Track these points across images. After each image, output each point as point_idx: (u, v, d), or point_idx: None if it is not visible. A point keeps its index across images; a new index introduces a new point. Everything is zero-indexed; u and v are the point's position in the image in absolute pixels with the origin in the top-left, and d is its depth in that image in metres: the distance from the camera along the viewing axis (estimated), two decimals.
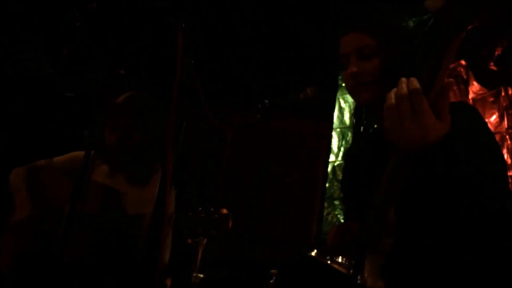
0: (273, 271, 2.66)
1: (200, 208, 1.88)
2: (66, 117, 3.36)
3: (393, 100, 0.96)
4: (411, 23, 3.39)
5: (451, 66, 1.01)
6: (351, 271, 1.17)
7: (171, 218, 2.18)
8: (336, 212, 4.03)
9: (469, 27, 0.88)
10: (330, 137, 4.26)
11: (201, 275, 2.85)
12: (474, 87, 3.14)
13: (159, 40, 3.52)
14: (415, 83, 0.95)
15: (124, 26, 3.62)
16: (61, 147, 2.32)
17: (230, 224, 1.84)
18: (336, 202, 4.09)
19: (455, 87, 3.20)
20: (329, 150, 4.26)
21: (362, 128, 1.46)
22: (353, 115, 1.46)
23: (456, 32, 0.89)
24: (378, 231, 1.13)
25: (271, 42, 4.12)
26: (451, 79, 0.97)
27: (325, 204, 4.14)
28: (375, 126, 1.45)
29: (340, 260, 1.71)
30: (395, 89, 0.98)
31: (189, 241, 2.48)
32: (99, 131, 2.16)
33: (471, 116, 1.18)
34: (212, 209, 1.87)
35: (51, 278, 1.85)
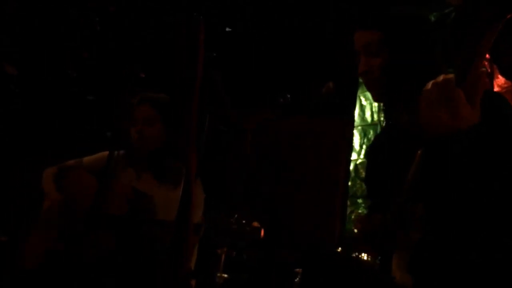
0: (297, 270, 2.64)
1: (231, 219, 1.89)
2: (94, 117, 3.41)
3: (429, 87, 0.98)
4: (432, 17, 3.34)
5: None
6: (378, 266, 1.16)
7: (199, 227, 2.17)
8: (360, 211, 4.00)
9: (508, 16, 0.87)
10: (352, 135, 4.23)
11: (225, 275, 2.85)
12: (499, 81, 3.09)
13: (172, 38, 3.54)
14: (450, 75, 0.98)
15: (139, 25, 3.65)
16: (91, 147, 2.38)
17: (262, 235, 1.85)
18: (359, 201, 4.05)
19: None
20: (350, 148, 4.23)
21: (384, 122, 1.47)
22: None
23: (492, 23, 0.89)
24: (405, 226, 1.11)
25: (289, 41, 4.11)
26: (483, 69, 0.97)
27: (348, 203, 4.10)
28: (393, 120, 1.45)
29: (365, 257, 1.69)
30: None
31: (219, 251, 2.49)
32: (125, 131, 2.21)
33: (500, 103, 1.17)
34: (244, 221, 1.87)
35: (74, 276, 1.87)
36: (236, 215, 1.87)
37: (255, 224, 1.82)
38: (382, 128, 1.47)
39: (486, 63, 3.17)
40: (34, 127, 3.45)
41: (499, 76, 3.10)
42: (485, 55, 0.94)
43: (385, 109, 1.41)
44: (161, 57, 3.61)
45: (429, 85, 1.01)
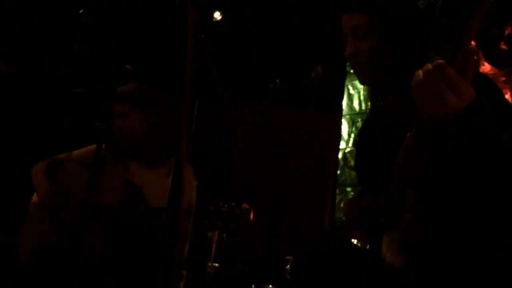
0: (288, 257, 2.65)
1: (221, 202, 1.89)
2: (94, 118, 3.39)
3: (421, 77, 0.98)
4: (420, 4, 3.36)
5: None
6: (368, 247, 1.17)
7: (189, 210, 2.18)
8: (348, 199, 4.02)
9: None
10: (340, 124, 4.25)
11: (217, 265, 2.85)
12: (485, 68, 3.11)
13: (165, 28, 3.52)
14: (439, 60, 0.98)
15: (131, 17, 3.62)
16: (81, 141, 2.37)
17: (251, 218, 1.85)
18: (348, 189, 4.07)
19: None
20: (339, 137, 4.25)
21: (371, 107, 1.47)
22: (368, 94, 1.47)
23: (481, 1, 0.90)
24: (396, 208, 1.12)
25: (276, 32, 4.11)
26: (473, 46, 0.98)
27: (337, 191, 4.13)
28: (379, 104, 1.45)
29: (355, 242, 1.70)
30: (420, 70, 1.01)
31: (209, 234, 2.49)
32: (111, 123, 2.20)
33: (488, 83, 1.19)
34: (233, 203, 1.88)
35: (70, 270, 1.87)
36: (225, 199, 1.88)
37: (245, 206, 1.82)
38: (369, 112, 1.48)
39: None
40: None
41: (485, 63, 3.12)
42: (473, 35, 0.95)
43: (372, 93, 1.42)
44: (158, 54, 3.61)
45: (420, 75, 1.00)
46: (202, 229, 2.18)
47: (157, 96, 2.29)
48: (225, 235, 2.03)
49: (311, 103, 3.88)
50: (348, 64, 4.18)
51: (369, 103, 4.15)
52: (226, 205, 1.87)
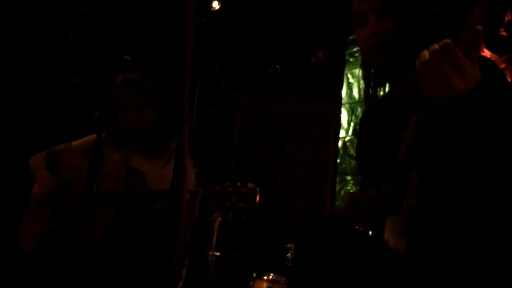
0: (288, 245, 2.67)
1: (227, 183, 1.89)
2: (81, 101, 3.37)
3: (428, 57, 0.97)
4: None
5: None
6: (370, 232, 1.18)
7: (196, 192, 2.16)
8: (348, 187, 4.03)
9: None
10: (339, 113, 4.25)
11: (218, 253, 2.87)
12: (485, 54, 3.11)
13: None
14: (446, 40, 0.97)
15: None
16: (79, 131, 2.37)
17: (258, 198, 1.83)
18: (348, 178, 4.08)
19: None
20: (339, 126, 4.25)
21: (371, 93, 1.45)
22: (363, 79, 1.44)
23: None
24: (399, 193, 1.12)
25: (276, 18, 4.10)
26: (480, 27, 0.96)
27: (337, 180, 4.14)
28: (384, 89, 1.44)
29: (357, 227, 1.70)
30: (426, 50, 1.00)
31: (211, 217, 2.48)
32: (109, 113, 2.18)
33: (493, 66, 1.18)
34: (239, 183, 1.87)
35: (74, 257, 1.87)
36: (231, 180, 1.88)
37: (250, 185, 1.82)
38: (372, 99, 1.46)
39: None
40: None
41: (485, 50, 3.12)
42: (481, 18, 0.94)
43: (375, 77, 1.40)
44: (157, 42, 3.59)
45: (426, 55, 0.99)
46: (209, 210, 2.18)
47: (164, 87, 2.26)
48: (231, 214, 2.02)
49: (310, 90, 3.87)
50: (347, 52, 4.17)
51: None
52: (232, 185, 1.86)
